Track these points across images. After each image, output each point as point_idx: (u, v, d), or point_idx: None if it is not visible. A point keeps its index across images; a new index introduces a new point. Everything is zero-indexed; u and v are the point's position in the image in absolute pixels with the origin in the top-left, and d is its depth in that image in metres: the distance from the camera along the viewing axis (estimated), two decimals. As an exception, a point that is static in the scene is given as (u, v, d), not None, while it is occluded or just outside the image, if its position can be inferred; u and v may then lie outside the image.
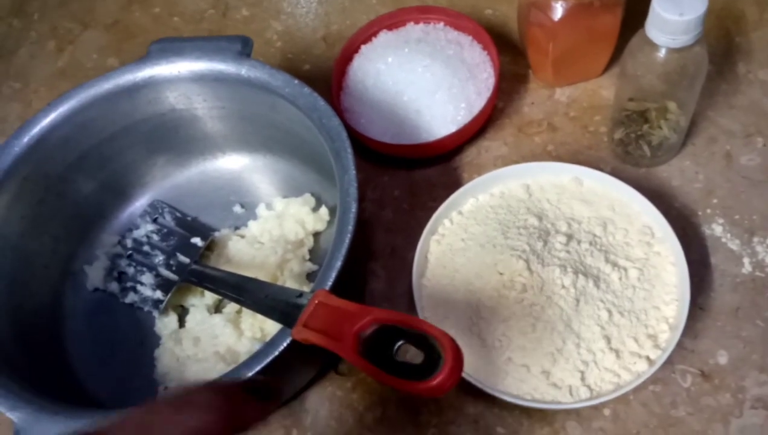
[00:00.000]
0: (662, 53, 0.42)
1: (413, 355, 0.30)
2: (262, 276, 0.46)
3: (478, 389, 0.39)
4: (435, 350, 0.30)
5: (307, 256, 0.49)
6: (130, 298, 0.50)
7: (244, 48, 0.47)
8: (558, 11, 0.49)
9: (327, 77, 0.56)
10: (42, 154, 0.47)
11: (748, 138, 0.52)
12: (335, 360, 0.46)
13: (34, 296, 0.48)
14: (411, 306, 0.44)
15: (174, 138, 0.52)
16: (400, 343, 0.31)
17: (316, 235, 0.51)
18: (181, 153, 0.54)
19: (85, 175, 0.51)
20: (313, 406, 0.45)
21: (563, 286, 0.40)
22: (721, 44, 0.57)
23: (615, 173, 0.49)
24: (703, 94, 0.53)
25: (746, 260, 0.46)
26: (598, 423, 0.42)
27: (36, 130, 0.47)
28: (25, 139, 0.47)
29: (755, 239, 0.47)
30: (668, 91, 0.45)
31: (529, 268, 0.41)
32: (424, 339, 0.30)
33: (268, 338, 0.39)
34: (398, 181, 0.53)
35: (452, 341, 0.29)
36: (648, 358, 0.39)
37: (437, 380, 0.28)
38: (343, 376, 0.46)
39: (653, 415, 0.42)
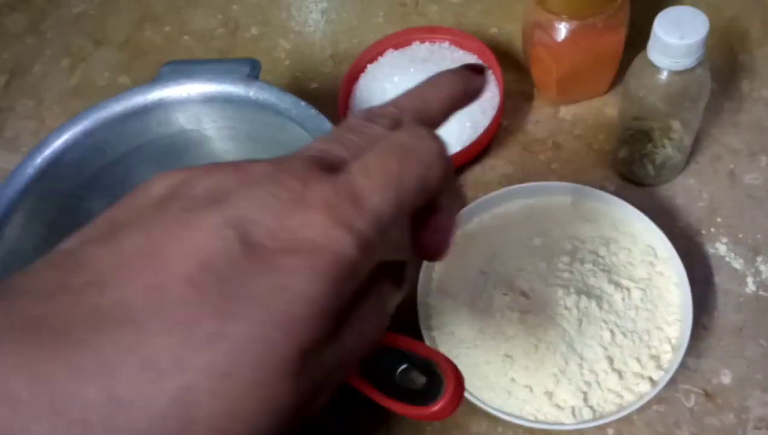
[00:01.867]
0: (664, 75, 0.43)
1: (415, 376, 0.31)
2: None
3: (482, 409, 0.40)
4: (437, 375, 0.30)
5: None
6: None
7: (252, 70, 0.48)
8: (562, 32, 0.50)
9: (334, 95, 0.57)
10: (55, 174, 0.48)
11: (752, 156, 0.52)
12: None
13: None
14: (415, 324, 0.44)
15: (184, 157, 0.53)
16: (403, 366, 0.31)
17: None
18: (191, 171, 0.54)
19: (97, 194, 0.52)
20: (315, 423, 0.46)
21: (566, 307, 0.41)
22: (724, 62, 0.57)
23: (619, 192, 0.50)
24: (707, 112, 0.54)
25: (750, 280, 0.47)
26: (601, 442, 0.42)
27: (49, 151, 0.48)
28: (39, 160, 0.48)
29: (759, 258, 0.47)
30: (671, 111, 0.46)
31: (532, 289, 0.42)
32: (426, 363, 0.31)
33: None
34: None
35: (454, 367, 0.29)
36: (651, 378, 0.40)
37: (438, 406, 0.28)
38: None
39: (657, 435, 0.42)
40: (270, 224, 0.18)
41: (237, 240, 0.17)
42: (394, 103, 0.24)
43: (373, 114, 0.23)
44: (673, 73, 0.42)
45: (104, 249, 0.18)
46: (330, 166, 0.20)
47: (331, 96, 0.58)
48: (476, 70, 0.26)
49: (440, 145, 0.21)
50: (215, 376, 0.16)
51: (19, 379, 0.15)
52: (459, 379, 0.30)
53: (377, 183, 0.19)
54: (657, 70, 0.43)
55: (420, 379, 0.31)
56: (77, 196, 0.50)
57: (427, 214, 0.24)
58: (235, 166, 0.20)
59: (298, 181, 0.19)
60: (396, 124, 0.22)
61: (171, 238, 0.18)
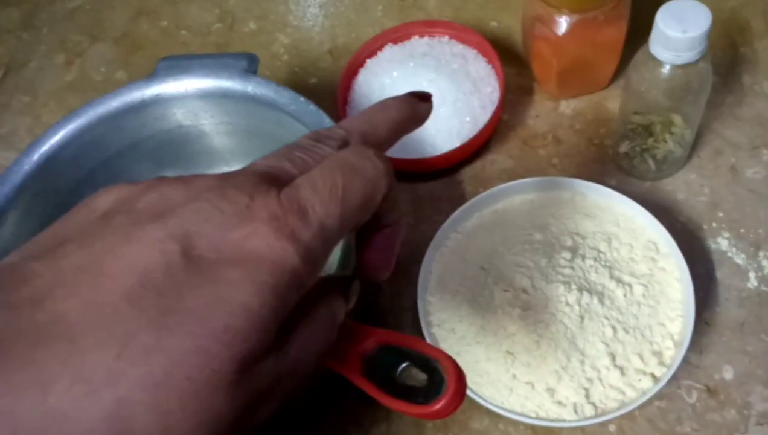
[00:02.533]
0: (666, 69, 0.42)
1: (416, 374, 0.31)
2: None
3: (483, 406, 0.40)
4: (438, 372, 0.30)
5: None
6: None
7: (250, 65, 0.48)
8: (562, 25, 0.49)
9: (333, 90, 0.57)
10: (51, 171, 0.48)
11: (754, 150, 0.52)
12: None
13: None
14: (416, 321, 0.44)
15: (181, 153, 0.53)
16: (404, 364, 0.31)
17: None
18: (188, 167, 0.54)
19: (94, 190, 0.50)
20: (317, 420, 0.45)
21: (567, 304, 0.41)
22: (726, 55, 0.57)
23: (620, 186, 0.49)
24: (708, 105, 0.53)
25: (752, 275, 0.46)
26: (603, 439, 0.42)
27: (45, 147, 0.47)
28: (35, 156, 0.47)
29: (761, 253, 0.47)
30: (673, 105, 0.45)
31: (533, 285, 0.42)
32: (427, 361, 0.30)
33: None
34: (403, 195, 0.54)
35: (455, 364, 0.29)
36: (653, 375, 0.39)
37: (439, 405, 0.28)
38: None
39: (659, 432, 0.42)
40: (213, 237, 0.18)
41: (178, 253, 0.18)
42: (342, 125, 0.25)
43: (321, 135, 0.24)
44: (675, 67, 0.42)
45: (44, 265, 0.18)
46: (277, 181, 0.20)
47: (330, 91, 0.57)
48: (422, 98, 0.27)
49: (385, 164, 0.22)
50: (149, 389, 0.16)
51: None
52: (460, 377, 0.29)
53: (322, 196, 0.20)
54: (659, 63, 0.42)
55: (421, 377, 0.30)
56: (74, 193, 0.50)
57: (369, 234, 0.24)
58: (180, 180, 0.20)
59: (244, 195, 0.19)
60: (343, 145, 0.23)
61: (111, 254, 0.18)
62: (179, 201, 0.19)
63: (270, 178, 0.20)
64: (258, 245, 0.18)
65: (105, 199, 0.20)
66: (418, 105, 0.27)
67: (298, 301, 0.20)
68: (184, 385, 0.16)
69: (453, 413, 0.29)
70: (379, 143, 0.25)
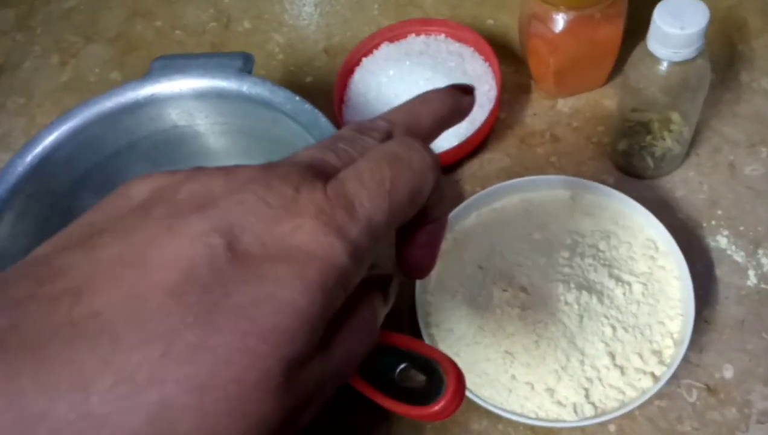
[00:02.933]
0: (664, 66, 0.42)
1: (414, 375, 0.30)
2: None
3: (483, 407, 0.39)
4: (437, 373, 0.29)
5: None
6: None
7: (245, 65, 0.47)
8: (559, 23, 0.49)
9: (329, 89, 0.56)
10: (46, 171, 0.48)
11: (752, 147, 0.51)
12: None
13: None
14: (414, 322, 0.44)
15: (177, 153, 0.52)
16: (402, 365, 0.31)
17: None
18: (183, 168, 0.54)
19: (90, 191, 0.51)
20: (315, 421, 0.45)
21: (566, 303, 0.40)
22: (723, 53, 0.57)
23: (618, 184, 0.49)
24: (707, 103, 0.53)
25: (751, 272, 0.46)
26: (603, 438, 0.42)
27: (39, 148, 0.47)
28: (29, 157, 0.47)
29: (760, 251, 0.47)
30: (671, 103, 0.45)
31: (532, 284, 0.41)
32: (426, 362, 0.30)
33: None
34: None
35: (454, 365, 0.29)
36: (653, 374, 0.39)
37: (439, 406, 0.28)
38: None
39: (659, 431, 0.42)
40: (258, 230, 0.17)
41: (223, 247, 0.17)
42: (384, 117, 0.24)
43: (365, 127, 0.23)
44: (673, 64, 0.42)
45: (80, 256, 0.17)
46: (322, 173, 0.19)
47: (325, 90, 0.57)
48: (465, 90, 0.26)
49: (433, 157, 0.21)
50: (194, 391, 0.15)
51: None
52: (460, 378, 0.29)
53: (370, 190, 0.19)
54: (656, 60, 0.42)
55: (420, 379, 0.30)
56: (69, 194, 0.50)
57: (412, 230, 0.23)
58: (222, 170, 0.19)
59: (290, 187, 0.18)
60: (387, 137, 0.22)
61: (152, 246, 0.17)
62: (222, 192, 0.18)
63: (315, 170, 0.19)
64: (305, 240, 0.17)
65: (141, 188, 0.19)
66: (462, 98, 0.25)
67: (344, 300, 0.19)
68: (231, 387, 0.15)
69: (452, 414, 0.29)
70: (423, 136, 0.24)
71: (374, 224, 0.19)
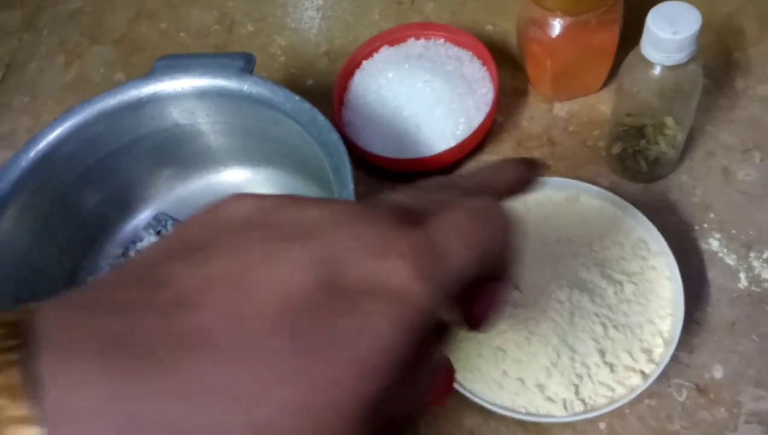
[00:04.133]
0: (657, 70, 0.43)
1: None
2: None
3: (474, 402, 0.40)
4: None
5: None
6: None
7: (246, 65, 0.48)
8: (556, 28, 0.50)
9: (329, 92, 0.57)
10: (49, 168, 0.48)
11: (746, 153, 0.52)
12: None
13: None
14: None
15: (178, 152, 0.53)
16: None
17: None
18: (184, 167, 0.55)
19: (91, 188, 0.52)
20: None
21: (558, 301, 0.41)
22: (719, 59, 0.57)
23: (613, 188, 0.50)
24: (701, 109, 0.54)
25: (743, 275, 0.47)
26: (593, 436, 0.42)
27: (43, 144, 0.48)
28: (32, 153, 0.48)
29: (752, 254, 0.47)
30: (664, 107, 0.46)
31: (524, 282, 0.42)
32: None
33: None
34: (398, 195, 0.54)
35: (444, 357, 0.30)
36: (642, 372, 0.40)
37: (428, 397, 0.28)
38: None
39: (649, 429, 0.42)
40: (356, 266, 0.18)
41: (322, 278, 0.17)
42: (464, 176, 0.25)
43: (447, 182, 0.23)
44: (666, 69, 0.42)
45: (187, 268, 0.17)
46: (413, 219, 0.20)
47: (326, 92, 0.58)
48: (535, 165, 0.27)
49: (513, 219, 0.22)
50: (293, 414, 0.16)
51: (97, 397, 0.15)
52: (449, 370, 0.30)
53: (456, 241, 0.20)
54: (650, 65, 0.43)
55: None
56: (71, 190, 0.50)
57: (481, 284, 0.24)
58: (317, 201, 0.20)
59: (386, 228, 0.19)
60: (467, 195, 0.23)
61: (256, 268, 0.17)
62: (321, 224, 0.19)
63: (407, 215, 0.20)
64: (399, 281, 0.18)
65: (237, 209, 0.20)
66: (533, 171, 0.26)
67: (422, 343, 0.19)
68: (323, 415, 0.16)
69: (442, 404, 0.30)
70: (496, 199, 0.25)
71: (461, 274, 0.19)
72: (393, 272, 0.18)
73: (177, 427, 0.15)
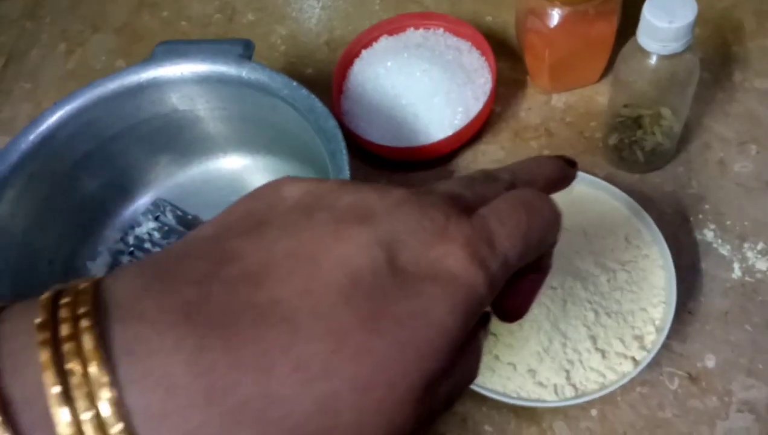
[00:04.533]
0: (653, 60, 0.43)
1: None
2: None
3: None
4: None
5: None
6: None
7: (245, 51, 0.48)
8: (554, 18, 0.50)
9: (329, 81, 0.57)
10: (48, 151, 0.49)
11: (742, 145, 0.52)
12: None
13: (39, 291, 0.49)
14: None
15: (177, 138, 0.53)
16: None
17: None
18: (183, 153, 0.55)
19: (90, 172, 0.52)
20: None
21: (551, 287, 0.41)
22: (718, 53, 0.57)
23: (609, 178, 0.50)
24: (699, 101, 0.54)
25: (736, 266, 0.47)
26: (585, 423, 0.42)
27: (43, 127, 0.48)
28: (32, 136, 0.48)
29: (746, 245, 0.48)
30: (660, 97, 0.46)
31: (518, 269, 0.42)
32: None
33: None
34: (396, 183, 0.54)
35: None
36: (634, 358, 0.40)
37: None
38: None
39: (640, 417, 0.42)
40: (415, 250, 0.18)
41: (385, 260, 0.18)
42: (507, 169, 0.25)
43: (491, 174, 0.24)
44: (662, 58, 0.43)
45: (251, 244, 0.18)
46: (464, 207, 0.21)
47: (325, 81, 0.58)
48: (571, 163, 0.27)
49: (558, 210, 0.23)
50: (358, 388, 0.16)
51: (177, 364, 0.15)
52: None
53: (508, 230, 0.20)
54: (646, 54, 0.43)
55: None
56: (69, 174, 0.51)
57: (517, 275, 0.24)
58: (374, 187, 0.21)
59: (441, 214, 0.19)
60: (511, 187, 0.23)
61: (322, 247, 0.18)
62: (380, 208, 0.19)
63: (458, 203, 0.21)
64: (454, 266, 0.19)
65: (293, 189, 0.20)
66: (569, 169, 0.27)
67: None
68: (385, 391, 0.17)
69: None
70: None
71: (509, 261, 0.20)
72: (447, 257, 0.19)
73: (254, 398, 0.16)
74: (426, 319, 0.18)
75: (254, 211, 0.20)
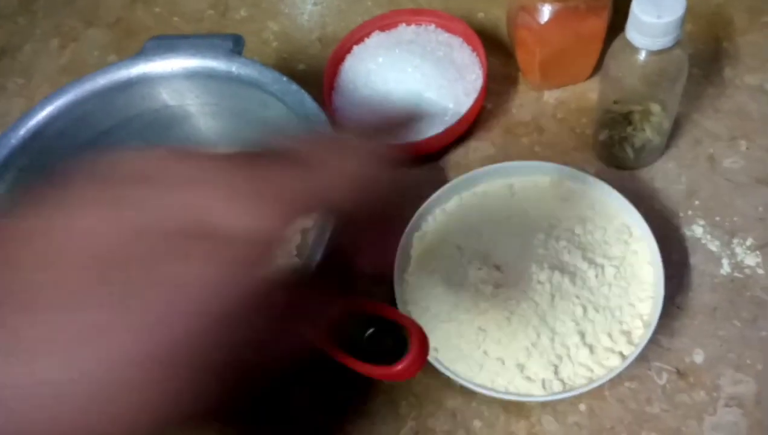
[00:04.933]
0: (642, 56, 0.43)
1: (382, 340, 0.31)
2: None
3: (456, 383, 0.40)
4: (403, 337, 0.30)
5: (294, 252, 0.50)
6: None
7: (235, 46, 0.48)
8: (545, 14, 0.50)
9: (321, 77, 0.57)
10: (39, 146, 0.49)
11: (732, 141, 0.52)
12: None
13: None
14: (393, 300, 0.45)
15: (168, 133, 0.53)
16: (370, 331, 0.32)
17: (304, 231, 0.52)
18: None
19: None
20: (295, 396, 0.46)
21: (539, 282, 0.41)
22: (708, 49, 0.57)
23: (599, 174, 0.50)
24: (689, 97, 0.54)
25: (725, 261, 0.47)
26: (573, 418, 0.43)
27: (33, 122, 0.48)
28: (22, 131, 0.48)
29: (735, 241, 0.48)
30: (649, 93, 0.46)
31: (506, 263, 0.42)
32: (393, 326, 0.31)
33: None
34: (387, 179, 0.54)
35: (418, 327, 0.30)
36: (621, 353, 0.40)
37: (401, 365, 0.29)
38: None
39: (628, 411, 0.42)
40: (207, 213, 0.18)
41: (154, 224, 0.18)
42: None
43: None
44: (651, 54, 0.43)
45: (16, 221, 0.18)
46: (292, 161, 0.20)
47: (317, 77, 0.58)
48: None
49: (387, 156, 0.22)
50: (114, 364, 0.16)
51: None
52: (423, 340, 0.30)
53: (334, 181, 0.20)
54: (635, 50, 0.43)
55: (387, 342, 0.31)
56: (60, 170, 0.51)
57: (374, 227, 0.24)
58: (170, 149, 0.20)
59: (249, 173, 0.19)
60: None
61: (74, 221, 0.18)
62: (163, 172, 0.19)
63: (287, 157, 0.20)
64: (230, 222, 0.18)
65: (106, 161, 0.20)
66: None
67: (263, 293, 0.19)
68: (147, 361, 0.17)
69: (415, 374, 0.30)
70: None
71: (333, 209, 0.21)
72: (230, 213, 0.18)
73: (9, 383, 0.15)
74: (188, 277, 0.17)
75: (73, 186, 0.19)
